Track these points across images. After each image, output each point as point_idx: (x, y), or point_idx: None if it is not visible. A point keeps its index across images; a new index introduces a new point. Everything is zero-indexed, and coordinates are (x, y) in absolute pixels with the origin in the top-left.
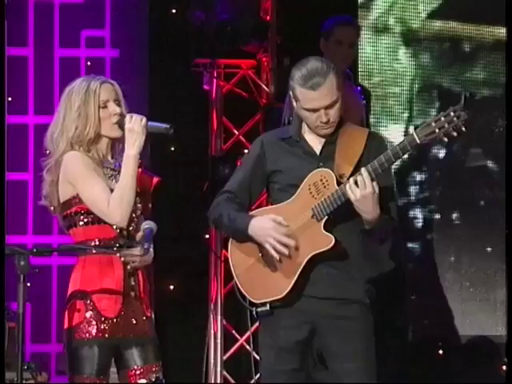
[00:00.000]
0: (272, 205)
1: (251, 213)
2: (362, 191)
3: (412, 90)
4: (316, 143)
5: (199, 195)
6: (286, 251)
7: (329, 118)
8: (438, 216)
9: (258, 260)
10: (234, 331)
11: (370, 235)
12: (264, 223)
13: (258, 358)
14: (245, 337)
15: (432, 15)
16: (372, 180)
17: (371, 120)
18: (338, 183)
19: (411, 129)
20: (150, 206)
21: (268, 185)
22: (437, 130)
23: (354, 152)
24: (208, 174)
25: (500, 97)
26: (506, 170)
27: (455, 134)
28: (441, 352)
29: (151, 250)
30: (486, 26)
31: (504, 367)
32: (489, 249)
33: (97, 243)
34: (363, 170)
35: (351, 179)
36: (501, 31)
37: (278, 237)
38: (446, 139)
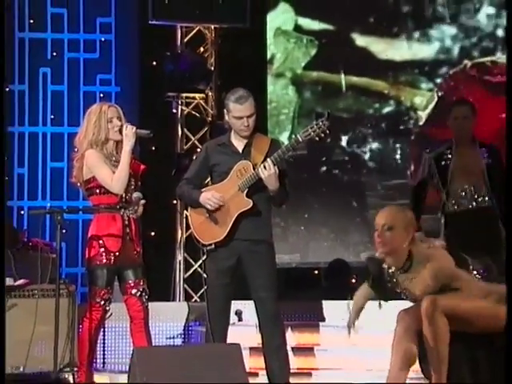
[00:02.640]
0: (214, 184)
1: (202, 189)
2: (268, 172)
3: (295, 112)
4: (239, 145)
5: (169, 177)
6: (217, 206)
7: (248, 124)
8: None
9: (206, 218)
10: (191, 260)
11: (274, 199)
12: (206, 195)
13: (205, 276)
14: (198, 264)
15: (309, 67)
16: (274, 165)
17: (270, 128)
18: (254, 169)
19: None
20: (139, 183)
21: (211, 173)
22: (312, 133)
23: (263, 150)
24: (175, 164)
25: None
26: (507, 170)
27: (323, 135)
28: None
29: (140, 209)
30: (345, 75)
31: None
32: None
33: (106, 206)
34: (269, 159)
35: (262, 165)
36: (354, 79)
37: (213, 200)
38: (317, 139)
